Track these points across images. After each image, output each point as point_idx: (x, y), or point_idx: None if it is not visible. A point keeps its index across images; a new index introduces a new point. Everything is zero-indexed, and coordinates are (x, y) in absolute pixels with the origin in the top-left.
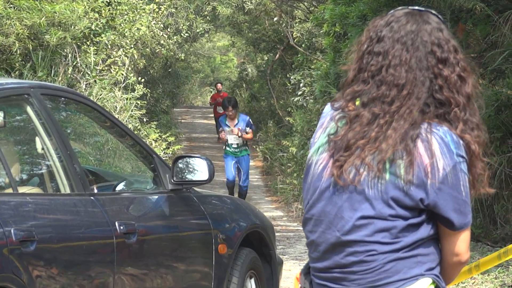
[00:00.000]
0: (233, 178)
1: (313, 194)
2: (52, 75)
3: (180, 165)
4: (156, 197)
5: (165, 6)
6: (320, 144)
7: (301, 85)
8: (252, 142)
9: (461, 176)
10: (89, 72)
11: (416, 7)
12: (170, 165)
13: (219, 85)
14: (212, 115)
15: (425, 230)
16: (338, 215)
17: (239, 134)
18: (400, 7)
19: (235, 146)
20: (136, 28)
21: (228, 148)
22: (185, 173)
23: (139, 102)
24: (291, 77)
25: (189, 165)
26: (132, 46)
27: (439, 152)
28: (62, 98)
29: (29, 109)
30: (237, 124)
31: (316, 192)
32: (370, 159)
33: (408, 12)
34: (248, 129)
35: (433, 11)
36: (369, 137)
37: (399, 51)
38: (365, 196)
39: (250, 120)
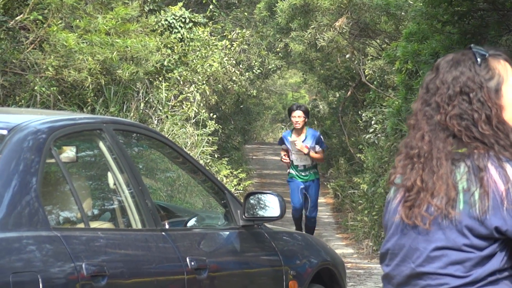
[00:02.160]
0: (300, 205)
1: (390, 229)
2: (124, 110)
3: (252, 201)
4: (227, 233)
5: (237, 42)
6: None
7: (372, 122)
8: (321, 164)
9: None
10: (161, 108)
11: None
12: (242, 201)
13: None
14: None
15: (497, 261)
16: (413, 246)
17: (305, 151)
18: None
19: (302, 168)
20: (208, 64)
21: (293, 171)
22: (257, 209)
23: (210, 138)
24: (363, 114)
25: (261, 201)
26: (204, 82)
27: None
28: (134, 134)
29: (101, 144)
30: (304, 140)
31: (393, 226)
32: (437, 201)
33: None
34: (318, 148)
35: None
36: (422, 179)
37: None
38: (439, 227)
39: (321, 137)
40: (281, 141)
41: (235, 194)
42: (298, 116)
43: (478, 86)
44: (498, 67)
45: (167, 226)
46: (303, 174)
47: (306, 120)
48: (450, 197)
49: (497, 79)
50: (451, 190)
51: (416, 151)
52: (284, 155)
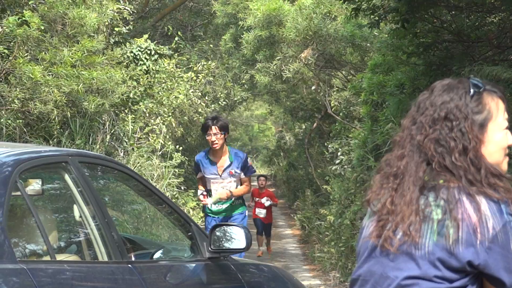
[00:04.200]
0: None
1: (363, 255)
2: (90, 142)
3: (218, 233)
4: (194, 265)
5: (203, 74)
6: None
7: (339, 153)
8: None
9: (510, 234)
10: (126, 140)
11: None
12: (208, 233)
13: (262, 179)
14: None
15: None
16: (384, 274)
17: (225, 196)
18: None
19: (224, 201)
20: (174, 96)
21: (209, 206)
22: (223, 241)
23: (176, 170)
24: (329, 146)
25: (227, 233)
26: (170, 114)
27: (488, 211)
28: (100, 166)
29: (67, 177)
30: (230, 165)
31: (365, 253)
32: (405, 227)
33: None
34: (242, 176)
35: (473, 79)
36: (392, 201)
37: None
38: (412, 257)
39: (249, 159)
40: (197, 168)
41: (202, 226)
42: (214, 134)
43: (463, 116)
44: (490, 103)
45: (133, 259)
46: (225, 207)
47: (226, 137)
48: (414, 223)
49: (485, 114)
50: (415, 217)
51: (394, 169)
52: (203, 196)
